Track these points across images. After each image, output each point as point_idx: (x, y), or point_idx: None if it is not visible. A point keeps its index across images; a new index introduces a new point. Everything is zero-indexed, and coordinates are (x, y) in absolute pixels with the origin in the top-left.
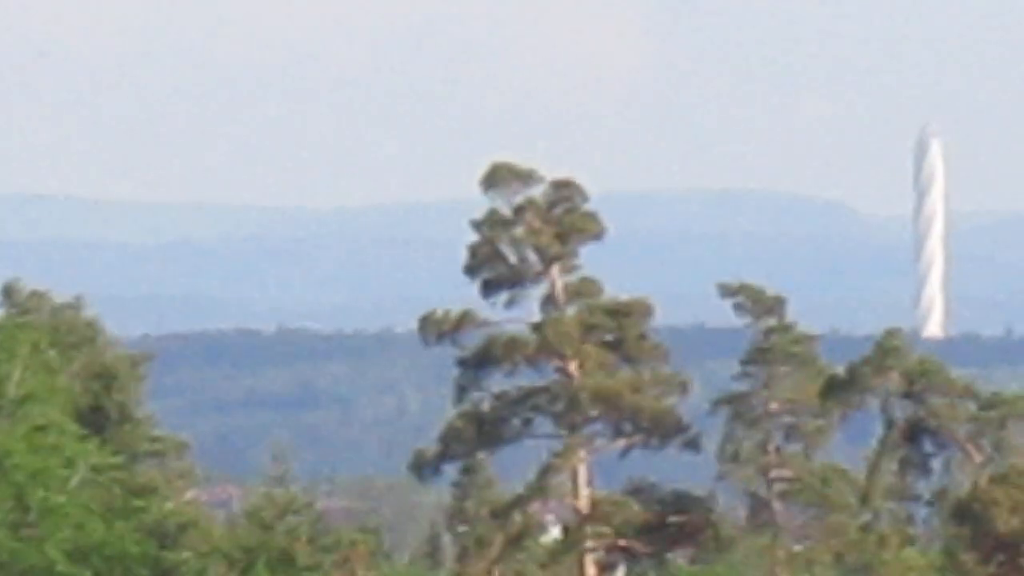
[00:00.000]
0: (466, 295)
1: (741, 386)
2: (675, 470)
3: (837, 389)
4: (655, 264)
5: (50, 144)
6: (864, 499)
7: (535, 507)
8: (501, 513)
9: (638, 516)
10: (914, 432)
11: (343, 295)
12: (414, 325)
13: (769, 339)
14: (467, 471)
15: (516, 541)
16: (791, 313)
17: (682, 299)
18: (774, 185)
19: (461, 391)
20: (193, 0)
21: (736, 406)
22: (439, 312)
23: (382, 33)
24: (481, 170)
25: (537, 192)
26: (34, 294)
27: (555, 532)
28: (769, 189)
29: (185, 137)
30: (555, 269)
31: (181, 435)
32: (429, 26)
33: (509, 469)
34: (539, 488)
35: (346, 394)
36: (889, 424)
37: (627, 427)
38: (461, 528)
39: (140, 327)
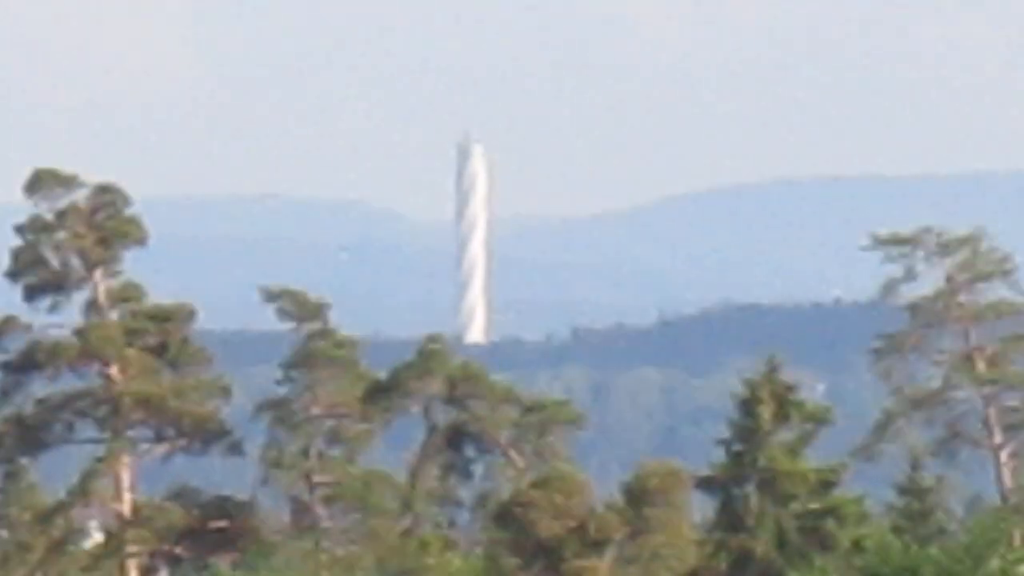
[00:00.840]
0: (9, 300)
1: (283, 390)
2: (218, 475)
3: (379, 393)
4: (198, 269)
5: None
6: (406, 503)
7: (77, 512)
8: (43, 518)
9: (181, 520)
10: (456, 437)
11: None
12: None
13: (312, 343)
14: (9, 476)
15: (58, 546)
16: (333, 317)
17: (225, 304)
18: (314, 189)
19: (4, 395)
20: None
21: (278, 410)
22: None
23: None
24: (24, 175)
25: (80, 197)
26: None
27: (97, 537)
28: (309, 193)
29: None
30: (98, 274)
31: None
32: None
33: (52, 474)
34: (82, 493)
35: None
36: (431, 429)
37: (170, 432)
38: (2, 533)
39: None
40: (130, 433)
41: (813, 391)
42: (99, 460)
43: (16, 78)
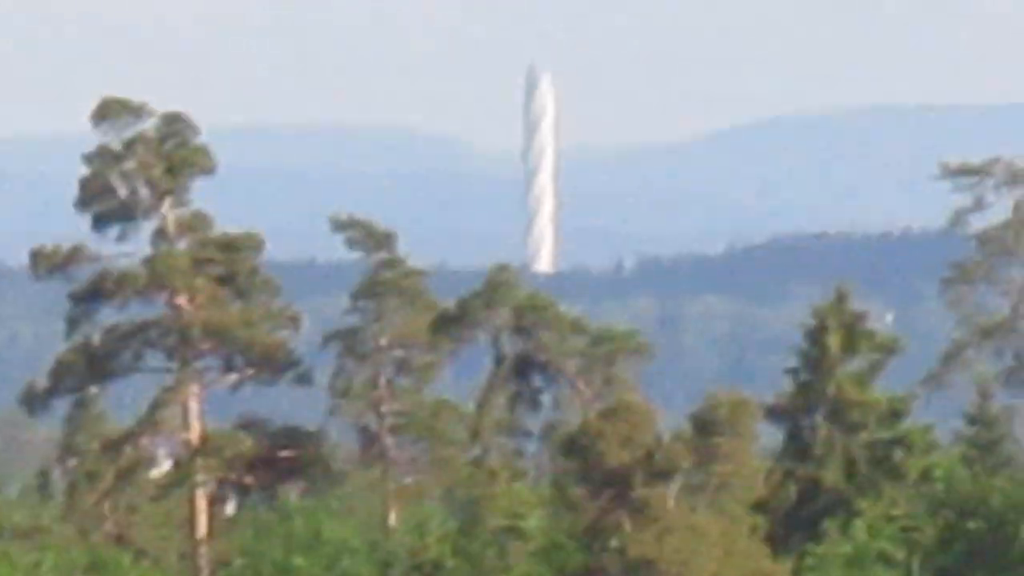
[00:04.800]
0: (77, 229)
1: (352, 320)
2: (286, 405)
3: (447, 323)
4: (266, 200)
5: None
6: (474, 433)
7: (146, 441)
8: (112, 447)
9: (249, 450)
10: (524, 367)
11: None
12: (26, 259)
13: (380, 273)
14: (78, 405)
15: (127, 475)
16: (401, 248)
17: (293, 234)
18: (381, 119)
19: (72, 325)
20: None
21: (347, 340)
22: (50, 246)
23: None
24: (91, 104)
25: (148, 126)
26: None
27: (166, 466)
28: (377, 124)
29: None
30: (166, 203)
31: None
32: None
33: (120, 403)
34: (150, 422)
35: None
36: (499, 359)
37: (238, 361)
38: (71, 462)
39: None
40: (198, 363)
41: (882, 321)
42: (167, 389)
43: (82, 6)
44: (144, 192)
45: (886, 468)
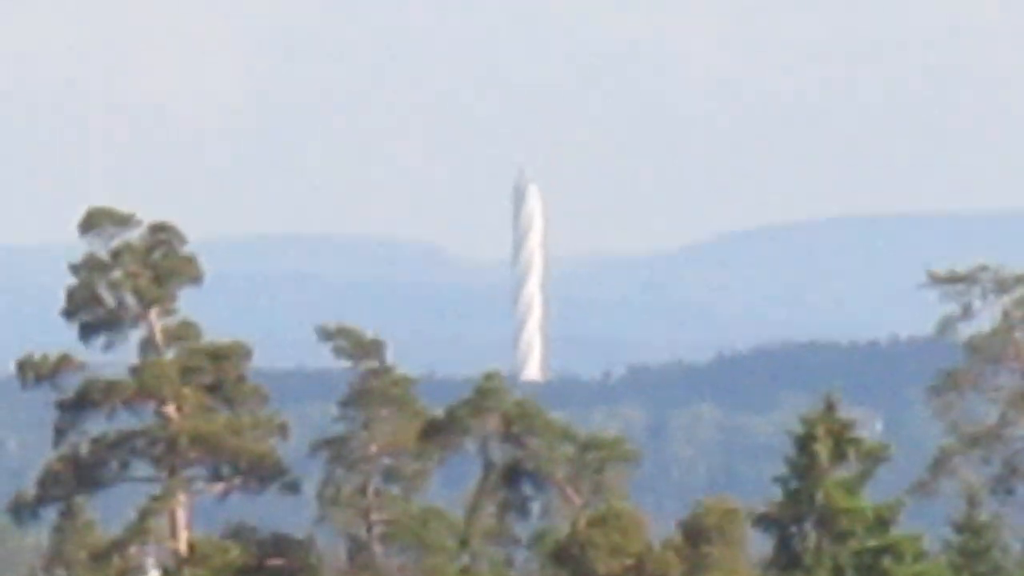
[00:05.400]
0: (64, 339)
1: (340, 428)
2: (275, 513)
3: (436, 431)
4: (254, 307)
5: None
6: (463, 541)
7: (134, 550)
8: (100, 556)
9: (238, 559)
10: (513, 474)
11: None
12: (12, 368)
13: (368, 381)
14: (66, 515)
15: None
16: (390, 356)
17: (281, 342)
18: (370, 228)
19: (60, 434)
20: None
21: (335, 448)
22: (37, 355)
23: None
24: (78, 213)
25: (135, 236)
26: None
27: (155, 575)
28: (366, 232)
29: None
30: (153, 312)
31: None
32: (19, 64)
33: (108, 513)
34: (138, 531)
35: None
36: (488, 466)
37: (226, 470)
38: (59, 572)
39: None
40: (186, 471)
41: (870, 428)
42: (155, 498)
43: (70, 117)
44: (131, 301)
45: None
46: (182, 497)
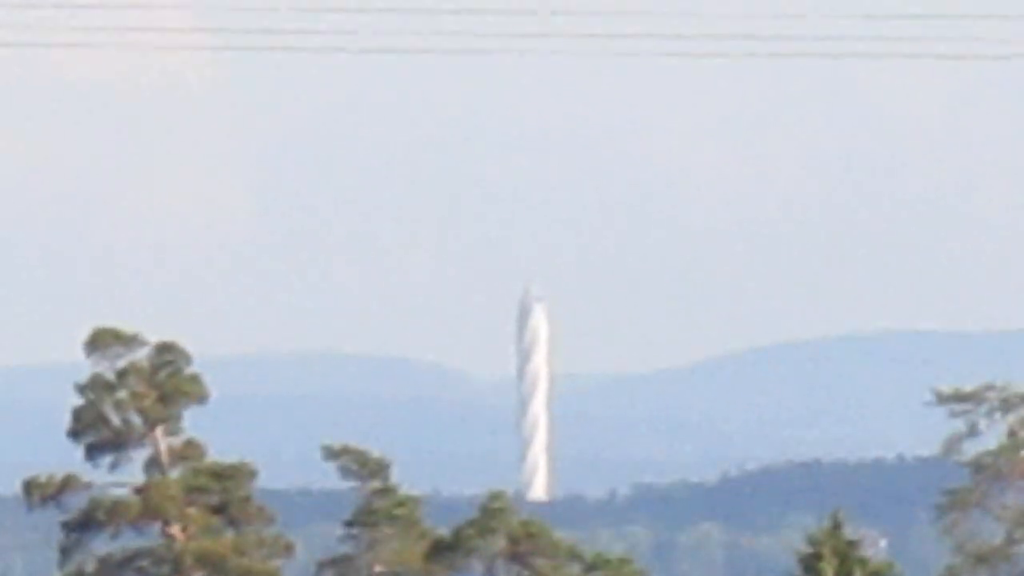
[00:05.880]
0: (70, 459)
1: (345, 548)
2: None
3: (442, 551)
4: (259, 427)
5: None
6: None
7: None
8: None
9: None
10: None
11: None
12: (18, 488)
13: (373, 501)
14: None
15: None
16: (395, 475)
17: (287, 462)
18: (374, 347)
19: (65, 554)
20: None
21: (341, 568)
22: (43, 476)
23: None
24: (83, 333)
25: (141, 355)
26: None
27: None
28: (370, 351)
29: None
30: (159, 432)
31: None
32: (21, 177)
33: None
34: None
35: None
36: None
37: None
38: None
39: None
40: None
41: (876, 547)
42: None
43: (74, 236)
44: (137, 421)
45: None
46: None
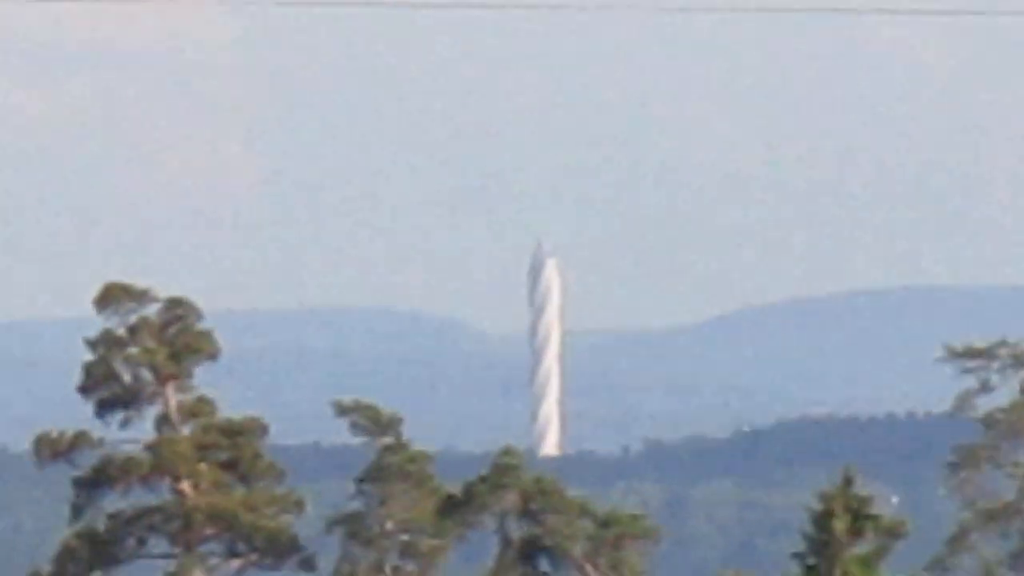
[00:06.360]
0: (81, 415)
1: (356, 505)
2: None
3: (453, 508)
4: (270, 383)
5: None
6: None
7: None
8: None
9: None
10: (530, 551)
11: None
12: (29, 445)
13: (385, 458)
14: None
15: None
16: (406, 431)
17: (298, 418)
18: (386, 302)
19: (76, 511)
20: None
21: (351, 525)
22: (54, 432)
23: None
24: (93, 288)
25: (151, 311)
26: None
27: None
28: (382, 306)
29: None
30: (170, 388)
31: None
32: (31, 141)
33: None
34: None
35: None
36: (505, 543)
37: (242, 547)
38: None
39: None
40: (202, 548)
41: (888, 504)
42: (171, 575)
43: (84, 192)
44: (148, 377)
45: None
46: (198, 574)
